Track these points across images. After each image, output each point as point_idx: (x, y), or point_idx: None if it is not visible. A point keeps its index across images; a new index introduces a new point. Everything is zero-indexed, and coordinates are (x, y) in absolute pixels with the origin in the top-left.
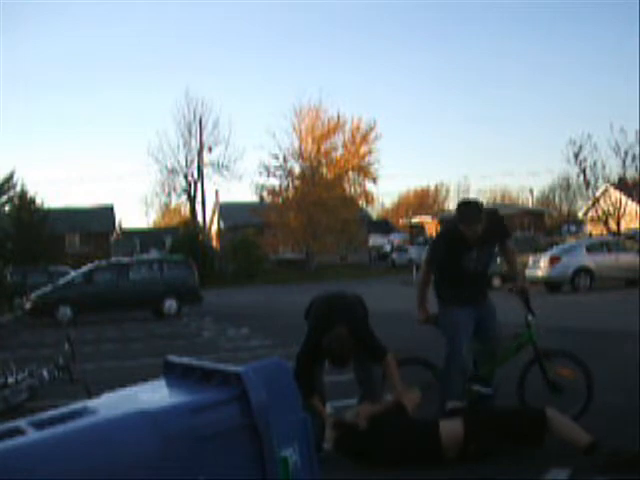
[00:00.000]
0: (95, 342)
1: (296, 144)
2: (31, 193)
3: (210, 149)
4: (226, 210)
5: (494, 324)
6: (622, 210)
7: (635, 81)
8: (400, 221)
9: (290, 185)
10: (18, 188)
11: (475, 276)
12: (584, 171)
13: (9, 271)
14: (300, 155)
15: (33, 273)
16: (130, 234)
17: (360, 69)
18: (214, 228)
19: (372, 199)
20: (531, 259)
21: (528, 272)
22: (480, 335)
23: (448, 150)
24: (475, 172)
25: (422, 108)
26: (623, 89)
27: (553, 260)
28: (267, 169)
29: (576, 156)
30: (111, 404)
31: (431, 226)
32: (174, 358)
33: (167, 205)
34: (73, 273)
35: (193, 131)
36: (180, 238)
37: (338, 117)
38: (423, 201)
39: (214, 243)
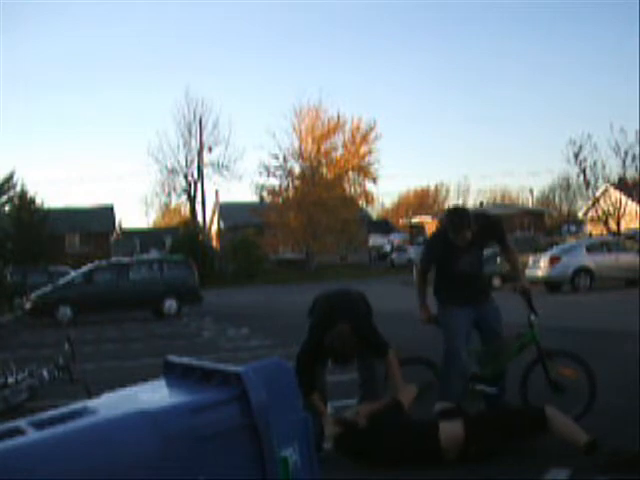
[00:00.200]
0: (95, 342)
1: (296, 144)
2: (31, 193)
3: (210, 149)
4: (226, 210)
5: (498, 324)
6: (622, 210)
7: (635, 81)
8: (400, 221)
9: (290, 185)
10: (18, 188)
11: (470, 277)
12: (584, 171)
13: (9, 271)
14: (300, 155)
15: (33, 273)
16: (130, 234)
17: (360, 69)
18: (214, 228)
19: (372, 199)
20: (531, 259)
21: (528, 272)
22: (483, 335)
23: (448, 150)
24: (475, 172)
25: (422, 108)
26: (623, 89)
27: (553, 260)
28: (267, 169)
29: (576, 156)
30: (111, 404)
31: (431, 226)
32: (174, 358)
33: (167, 205)
34: (73, 273)
35: (193, 131)
36: (180, 238)
37: (338, 117)
38: (423, 201)
39: (214, 243)
